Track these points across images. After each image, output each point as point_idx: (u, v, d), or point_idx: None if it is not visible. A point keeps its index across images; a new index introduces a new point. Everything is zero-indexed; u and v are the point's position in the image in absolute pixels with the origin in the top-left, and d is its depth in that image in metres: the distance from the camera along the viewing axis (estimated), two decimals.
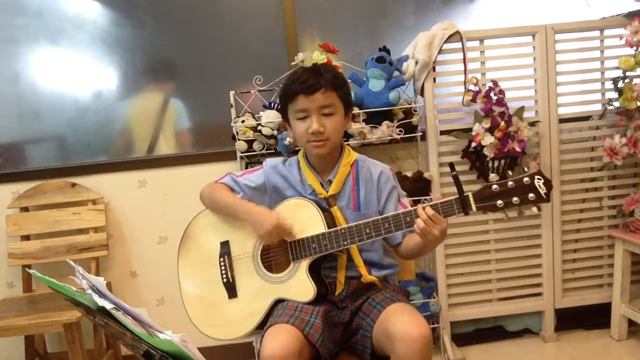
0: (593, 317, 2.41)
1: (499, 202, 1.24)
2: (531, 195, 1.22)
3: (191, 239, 1.55)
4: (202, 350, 0.94)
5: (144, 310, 0.95)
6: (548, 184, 1.22)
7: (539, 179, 1.22)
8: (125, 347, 1.85)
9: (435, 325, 2.31)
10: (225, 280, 1.47)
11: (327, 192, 1.45)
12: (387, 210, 1.45)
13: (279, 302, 1.40)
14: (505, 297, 2.37)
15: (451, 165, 1.28)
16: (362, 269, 1.42)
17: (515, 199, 1.23)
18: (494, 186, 1.24)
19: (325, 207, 1.44)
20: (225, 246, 1.49)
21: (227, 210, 1.48)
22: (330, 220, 1.40)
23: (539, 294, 2.37)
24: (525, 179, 1.23)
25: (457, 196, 1.26)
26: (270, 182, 1.51)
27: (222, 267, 1.48)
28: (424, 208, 1.26)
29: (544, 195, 1.22)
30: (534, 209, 1.25)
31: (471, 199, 1.25)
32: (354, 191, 1.46)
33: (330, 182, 1.46)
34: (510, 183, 1.23)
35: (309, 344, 1.26)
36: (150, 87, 2.47)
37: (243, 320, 1.43)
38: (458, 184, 1.25)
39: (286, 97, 1.43)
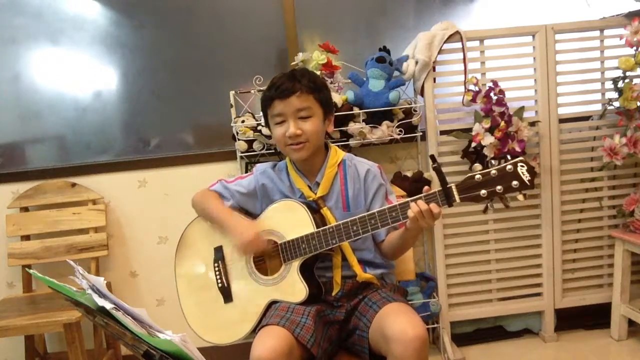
0: (593, 317, 2.41)
1: (483, 191, 1.22)
2: (515, 182, 1.20)
3: (186, 246, 1.56)
4: (201, 350, 0.94)
5: (144, 310, 0.95)
6: (531, 170, 1.20)
7: (522, 166, 1.20)
8: (125, 347, 1.85)
9: (435, 325, 2.31)
10: (220, 285, 1.47)
11: (316, 194, 1.45)
12: (374, 208, 1.45)
13: (273, 303, 1.40)
14: (505, 297, 2.37)
15: (432, 157, 1.28)
16: (357, 268, 1.42)
17: (499, 187, 1.21)
18: (477, 176, 1.23)
19: (315, 208, 1.44)
20: (219, 251, 1.50)
21: (214, 221, 1.50)
22: (321, 222, 1.41)
23: (539, 294, 2.37)
24: (508, 166, 1.21)
25: (440, 188, 1.25)
26: (260, 188, 1.52)
27: (217, 272, 1.49)
28: (416, 202, 1.26)
29: (527, 182, 1.20)
30: (520, 197, 1.24)
31: (454, 190, 1.24)
32: (342, 191, 1.47)
33: (318, 184, 1.47)
34: (493, 172, 1.22)
35: (300, 345, 1.26)
36: None
37: (239, 324, 1.43)
38: (441, 176, 1.24)
39: (264, 104, 1.46)
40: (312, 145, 1.43)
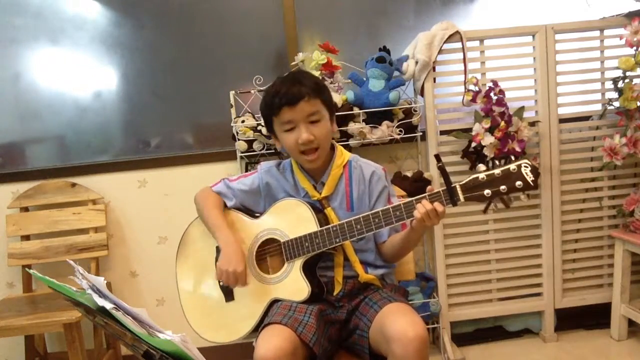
0: (593, 317, 2.41)
1: (487, 191, 1.24)
2: (518, 183, 1.22)
3: (188, 245, 1.56)
4: (202, 350, 0.94)
5: (144, 310, 0.95)
6: (535, 171, 1.22)
7: (525, 166, 1.22)
8: (125, 347, 1.85)
9: (435, 325, 2.31)
10: (221, 284, 1.47)
11: (320, 193, 1.45)
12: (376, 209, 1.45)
13: (274, 302, 1.40)
14: (505, 297, 2.37)
15: (437, 156, 1.28)
16: (359, 268, 1.42)
17: (502, 187, 1.23)
18: (481, 176, 1.24)
19: (319, 208, 1.44)
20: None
21: (209, 229, 1.49)
22: (325, 222, 1.41)
23: (539, 294, 2.36)
24: (512, 167, 1.22)
25: (444, 188, 1.26)
26: (264, 186, 1.51)
27: None
28: (420, 202, 1.27)
29: (531, 182, 1.22)
30: (523, 197, 1.25)
31: (459, 189, 1.25)
32: (347, 192, 1.47)
33: (323, 184, 1.46)
34: (497, 172, 1.23)
35: (302, 344, 1.26)
36: None
37: (240, 322, 1.43)
38: (445, 175, 1.25)
39: (270, 111, 1.41)
40: (324, 150, 1.43)
